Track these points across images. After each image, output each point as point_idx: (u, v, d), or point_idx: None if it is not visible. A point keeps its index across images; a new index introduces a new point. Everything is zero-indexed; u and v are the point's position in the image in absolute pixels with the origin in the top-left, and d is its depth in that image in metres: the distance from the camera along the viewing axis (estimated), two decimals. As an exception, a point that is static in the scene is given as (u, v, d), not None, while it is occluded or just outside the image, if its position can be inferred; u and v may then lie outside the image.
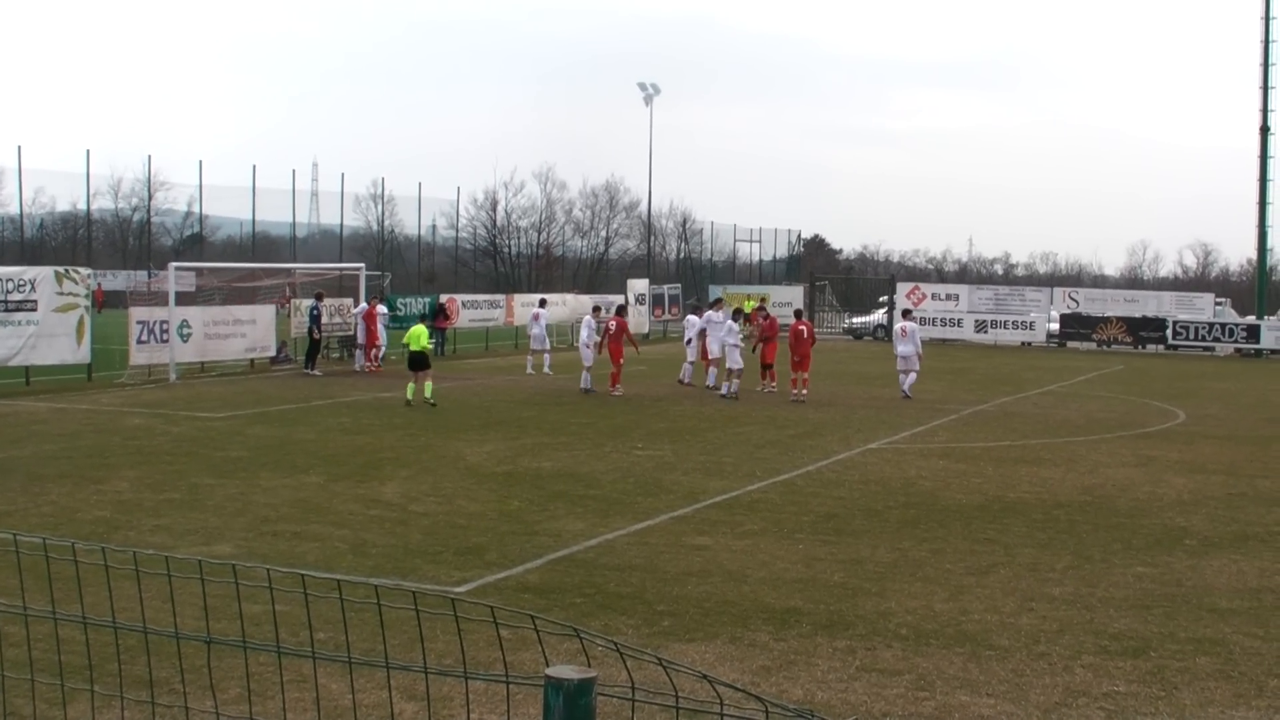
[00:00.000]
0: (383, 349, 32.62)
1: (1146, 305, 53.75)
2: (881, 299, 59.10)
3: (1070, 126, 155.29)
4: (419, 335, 23.84)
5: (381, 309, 33.20)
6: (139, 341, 27.75)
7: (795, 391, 26.09)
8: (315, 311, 31.08)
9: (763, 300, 40.35)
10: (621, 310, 30.05)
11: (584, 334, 27.73)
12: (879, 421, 22.82)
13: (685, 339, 29.53)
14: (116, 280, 60.59)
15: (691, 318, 30.85)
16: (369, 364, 32.02)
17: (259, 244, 60.57)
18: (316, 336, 30.91)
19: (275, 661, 7.31)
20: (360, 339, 32.54)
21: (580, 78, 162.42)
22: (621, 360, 26.91)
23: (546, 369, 31.59)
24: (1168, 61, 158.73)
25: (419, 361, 23.47)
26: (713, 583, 10.48)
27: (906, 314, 30.06)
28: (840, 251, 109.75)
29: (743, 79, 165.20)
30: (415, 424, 20.89)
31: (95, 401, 23.34)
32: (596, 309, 32.62)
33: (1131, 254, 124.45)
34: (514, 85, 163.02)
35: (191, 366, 29.41)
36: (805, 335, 26.22)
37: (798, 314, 28.61)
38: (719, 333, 27.50)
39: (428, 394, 23.04)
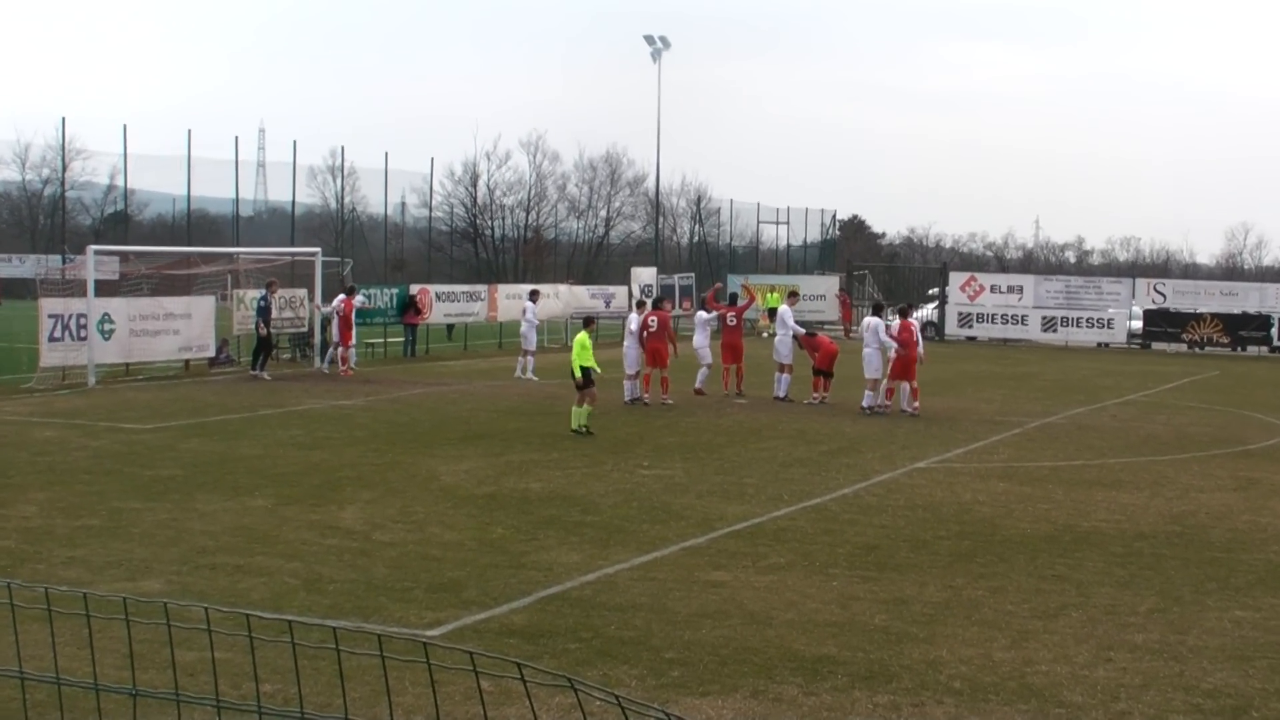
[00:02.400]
0: (354, 349, 32.70)
1: (1247, 299, 53.75)
2: (931, 291, 59.17)
3: (1157, 87, 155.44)
4: (580, 347, 22.32)
5: (361, 299, 33.33)
6: (51, 339, 27.78)
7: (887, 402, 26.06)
8: (264, 303, 31.03)
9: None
10: (659, 303, 29.37)
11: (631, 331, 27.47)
12: (927, 436, 22.83)
13: (695, 342, 29.35)
14: (23, 266, 60.82)
15: (701, 313, 30.73)
16: (342, 366, 31.99)
17: (195, 224, 60.62)
18: (265, 333, 30.89)
19: (214, 717, 7.31)
20: (327, 336, 32.61)
21: (577, 30, 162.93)
22: (668, 362, 26.72)
23: (530, 373, 31.48)
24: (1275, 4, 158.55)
25: (582, 378, 22.02)
26: (731, 626, 10.49)
27: (904, 311, 28.79)
28: (883, 235, 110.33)
29: (766, 32, 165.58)
30: (380, 438, 20.92)
31: None
32: (640, 304, 32.29)
33: (1230, 239, 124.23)
34: (497, 39, 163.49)
35: (115, 369, 29.47)
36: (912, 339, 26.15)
37: (902, 312, 28.10)
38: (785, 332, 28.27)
39: (579, 420, 21.64)
